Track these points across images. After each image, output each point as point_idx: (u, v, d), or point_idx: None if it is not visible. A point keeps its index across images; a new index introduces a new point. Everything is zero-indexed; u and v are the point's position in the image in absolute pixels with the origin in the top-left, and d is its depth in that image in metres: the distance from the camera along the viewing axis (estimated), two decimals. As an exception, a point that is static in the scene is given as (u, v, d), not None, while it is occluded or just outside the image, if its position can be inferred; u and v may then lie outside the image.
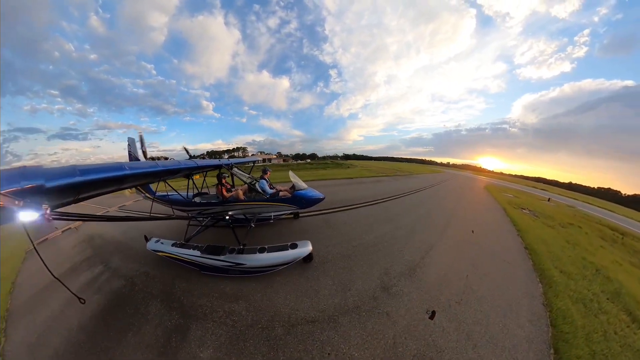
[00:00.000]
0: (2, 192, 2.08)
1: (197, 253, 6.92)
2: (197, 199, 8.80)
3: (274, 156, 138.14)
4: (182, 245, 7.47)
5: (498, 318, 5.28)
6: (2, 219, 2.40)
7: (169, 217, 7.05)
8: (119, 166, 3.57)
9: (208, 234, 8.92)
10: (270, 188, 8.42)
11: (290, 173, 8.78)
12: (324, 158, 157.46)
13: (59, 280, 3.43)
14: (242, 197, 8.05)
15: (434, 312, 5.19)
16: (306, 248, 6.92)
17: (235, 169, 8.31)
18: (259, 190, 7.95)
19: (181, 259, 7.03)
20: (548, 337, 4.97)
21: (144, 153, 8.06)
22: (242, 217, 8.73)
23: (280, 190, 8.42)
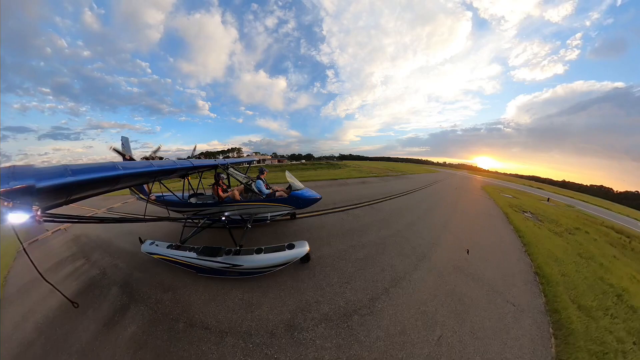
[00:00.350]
0: (-10, 192, 2.02)
1: (193, 255, 6.83)
2: (192, 200, 8.72)
3: (269, 157, 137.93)
4: (177, 247, 7.38)
5: None
6: (-9, 221, 2.33)
7: (164, 219, 6.96)
8: (112, 166, 3.51)
9: (204, 235, 8.84)
10: (267, 188, 8.38)
11: (287, 173, 8.75)
12: (319, 159, 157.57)
13: (52, 285, 3.37)
14: (238, 197, 7.99)
15: None
16: (303, 248, 6.88)
17: (232, 169, 8.26)
18: (256, 190, 7.90)
19: (177, 261, 6.94)
20: None
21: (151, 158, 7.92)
22: (239, 217, 8.67)
23: (277, 191, 8.38)
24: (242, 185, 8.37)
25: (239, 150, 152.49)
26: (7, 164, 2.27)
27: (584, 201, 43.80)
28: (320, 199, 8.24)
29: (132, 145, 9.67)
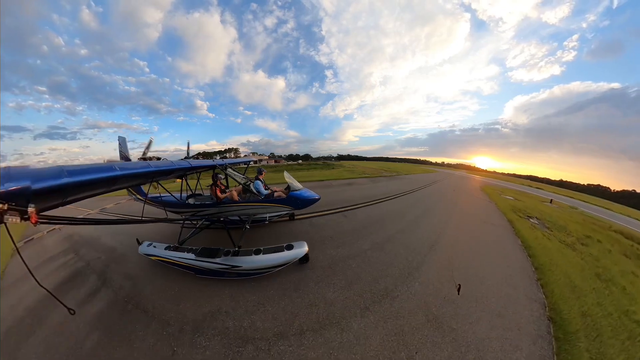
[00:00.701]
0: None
1: (192, 256, 6.80)
2: (190, 201, 8.68)
3: (266, 157, 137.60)
4: (176, 249, 7.35)
5: None
6: (-14, 223, 2.30)
7: (162, 220, 6.92)
8: (109, 167, 3.48)
9: (202, 236, 8.81)
10: (265, 189, 8.36)
11: (285, 174, 8.73)
12: (317, 159, 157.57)
13: (48, 291, 3.29)
14: (236, 198, 7.97)
15: None
16: (302, 249, 6.87)
17: (230, 170, 8.23)
18: (254, 191, 7.88)
19: (175, 263, 6.91)
20: None
21: (144, 155, 7.91)
22: (237, 218, 8.64)
23: (275, 191, 8.36)
24: (241, 186, 8.35)
25: (236, 150, 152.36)
26: (3, 164, 2.25)
27: (584, 201, 43.52)
28: (319, 199, 8.22)
29: (129, 145, 9.62)
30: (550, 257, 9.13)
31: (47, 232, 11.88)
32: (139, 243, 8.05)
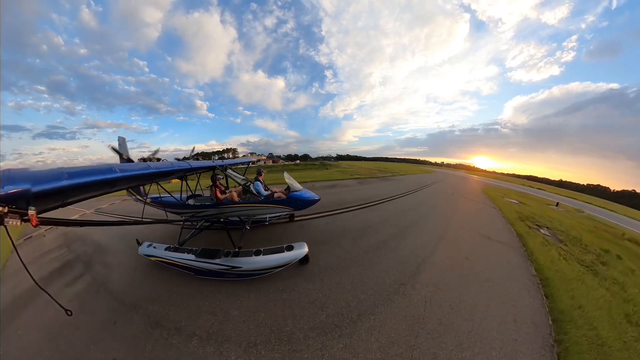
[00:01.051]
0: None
1: (192, 257, 6.80)
2: (190, 201, 8.68)
3: (264, 157, 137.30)
4: (175, 249, 7.34)
5: None
6: (-14, 225, 2.30)
7: (162, 221, 6.92)
8: (109, 168, 3.48)
9: (202, 237, 8.81)
10: (265, 190, 8.36)
11: (285, 174, 8.73)
12: (316, 159, 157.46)
13: (45, 291, 3.31)
14: (236, 199, 7.97)
15: None
16: (302, 250, 6.87)
17: (230, 171, 8.23)
18: (254, 192, 7.88)
19: (175, 264, 6.91)
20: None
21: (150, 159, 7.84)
22: (237, 219, 8.64)
23: (275, 192, 8.36)
24: (241, 187, 8.35)
25: (234, 150, 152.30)
26: (2, 164, 2.25)
27: (587, 202, 43.10)
28: (319, 200, 8.22)
29: (128, 145, 9.62)
30: (572, 293, 6.87)
31: (46, 230, 12.45)
32: (139, 244, 8.04)
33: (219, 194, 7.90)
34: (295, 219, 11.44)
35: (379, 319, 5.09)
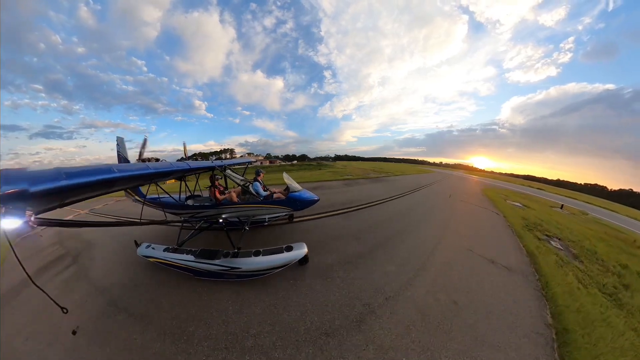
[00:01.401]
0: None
1: (191, 258, 6.76)
2: (189, 202, 8.65)
3: (261, 157, 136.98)
4: (174, 250, 7.30)
5: None
6: (-18, 226, 2.28)
7: (160, 222, 6.87)
8: (107, 169, 3.44)
9: (201, 238, 8.77)
10: (264, 190, 8.34)
11: (285, 175, 8.72)
12: (314, 159, 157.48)
13: (42, 290, 3.29)
14: (235, 199, 7.94)
15: None
16: (301, 250, 6.84)
17: (229, 171, 8.21)
18: (253, 192, 7.86)
19: (174, 265, 6.87)
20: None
21: (140, 155, 7.87)
22: (236, 220, 8.62)
23: (274, 192, 8.35)
24: (240, 187, 8.32)
25: (231, 151, 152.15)
26: (0, 168, 2.22)
27: (588, 203, 42.66)
28: (318, 200, 8.21)
29: (126, 145, 9.58)
30: (597, 349, 4.90)
31: (42, 229, 12.41)
32: (137, 245, 7.99)
33: (218, 195, 7.88)
34: (295, 219, 11.36)
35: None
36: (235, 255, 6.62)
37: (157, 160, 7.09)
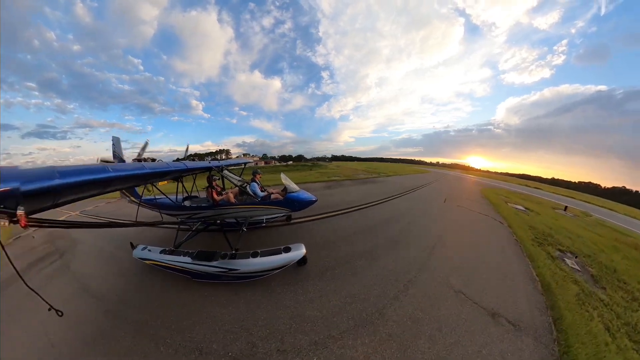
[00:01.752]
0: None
1: (188, 260, 6.67)
2: (186, 203, 8.56)
3: (257, 158, 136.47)
4: (171, 252, 7.20)
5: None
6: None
7: (156, 223, 6.78)
8: (102, 168, 3.38)
9: (199, 239, 8.68)
10: (262, 191, 8.28)
11: (282, 175, 8.68)
12: (311, 160, 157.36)
13: (35, 292, 3.21)
14: (233, 200, 7.88)
15: None
16: (300, 251, 6.79)
17: (226, 172, 8.14)
18: (250, 193, 7.79)
19: (171, 267, 6.78)
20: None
21: (139, 156, 7.81)
22: (234, 221, 8.54)
23: (272, 193, 8.29)
24: (237, 188, 8.25)
25: (227, 152, 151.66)
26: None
27: (588, 202, 41.91)
28: (316, 201, 8.17)
29: (122, 145, 9.49)
30: None
31: (34, 230, 12.53)
32: (133, 247, 7.88)
33: (215, 195, 7.81)
34: (292, 220, 11.30)
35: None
36: (233, 257, 6.55)
37: (153, 160, 7.00)
